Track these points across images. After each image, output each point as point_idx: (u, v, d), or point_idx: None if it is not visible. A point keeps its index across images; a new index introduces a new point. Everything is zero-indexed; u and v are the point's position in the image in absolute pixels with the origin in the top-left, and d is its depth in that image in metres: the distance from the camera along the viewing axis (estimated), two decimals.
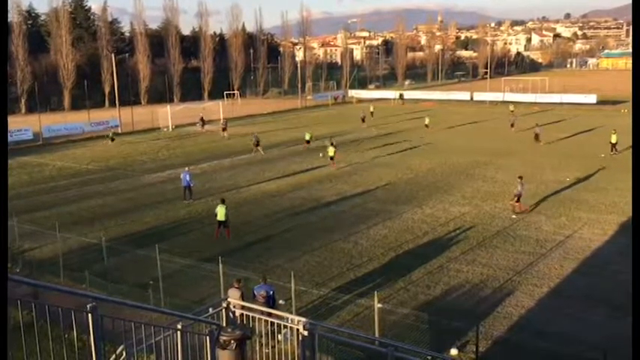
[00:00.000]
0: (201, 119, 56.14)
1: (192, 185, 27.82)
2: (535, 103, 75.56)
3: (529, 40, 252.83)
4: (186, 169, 29.34)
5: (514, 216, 24.16)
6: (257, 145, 40.33)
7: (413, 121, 58.89)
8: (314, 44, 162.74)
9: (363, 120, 56.05)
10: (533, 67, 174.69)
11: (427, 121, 52.01)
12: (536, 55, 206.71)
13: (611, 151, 36.49)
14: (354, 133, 50.94)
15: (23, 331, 5.07)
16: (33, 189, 31.65)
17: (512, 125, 49.39)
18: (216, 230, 22.01)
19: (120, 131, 55.86)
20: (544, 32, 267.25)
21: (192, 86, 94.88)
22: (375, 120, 59.60)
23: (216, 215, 22.01)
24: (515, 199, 24.76)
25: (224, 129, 50.89)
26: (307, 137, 43.02)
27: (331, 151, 35.52)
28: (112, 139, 48.23)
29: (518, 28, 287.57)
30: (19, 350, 5.23)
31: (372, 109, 61.76)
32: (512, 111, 60.63)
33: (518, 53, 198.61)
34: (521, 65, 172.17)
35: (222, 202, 22.24)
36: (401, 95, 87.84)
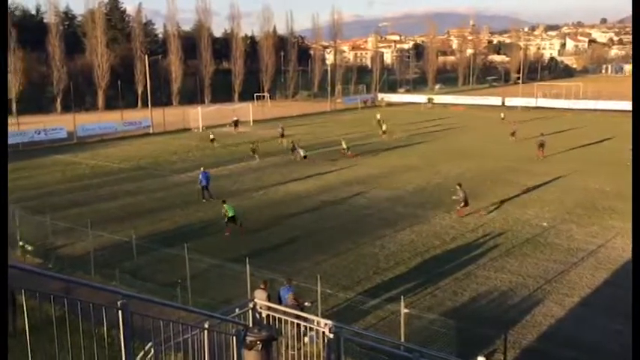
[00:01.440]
0: (235, 121, 56.77)
1: (206, 185, 28.24)
2: (568, 109, 74.22)
3: (563, 45, 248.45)
4: (202, 169, 29.74)
5: (545, 223, 23.77)
6: (293, 149, 40.25)
7: (441, 126, 58.44)
8: (344, 47, 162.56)
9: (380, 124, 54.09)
10: (567, 72, 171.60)
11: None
12: (570, 61, 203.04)
13: None
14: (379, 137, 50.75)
15: (55, 326, 5.17)
16: (66, 187, 32.32)
17: (512, 134, 46.65)
18: (228, 228, 22.75)
19: (151, 131, 56.71)
20: (579, 37, 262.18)
21: (222, 88, 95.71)
22: (404, 124, 59.26)
23: (225, 214, 22.81)
24: (462, 204, 24.89)
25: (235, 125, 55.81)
26: (344, 145, 41.34)
27: (344, 143, 40.19)
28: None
29: (552, 32, 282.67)
30: (51, 344, 5.35)
31: (378, 116, 57.31)
32: (502, 119, 59.06)
33: (552, 58, 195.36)
34: (555, 70, 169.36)
35: (224, 202, 23.40)
36: (430, 99, 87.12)
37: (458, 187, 25.47)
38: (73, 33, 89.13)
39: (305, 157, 38.39)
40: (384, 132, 49.79)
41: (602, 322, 14.99)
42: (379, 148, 44.59)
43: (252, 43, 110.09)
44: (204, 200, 27.90)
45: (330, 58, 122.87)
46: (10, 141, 47.74)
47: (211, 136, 47.45)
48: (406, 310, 13.45)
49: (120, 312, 5.36)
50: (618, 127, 52.83)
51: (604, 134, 49.33)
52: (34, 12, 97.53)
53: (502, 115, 62.24)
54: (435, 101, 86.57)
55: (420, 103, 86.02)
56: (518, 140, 45.47)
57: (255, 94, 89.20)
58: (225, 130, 56.38)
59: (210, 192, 28.31)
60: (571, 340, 14.05)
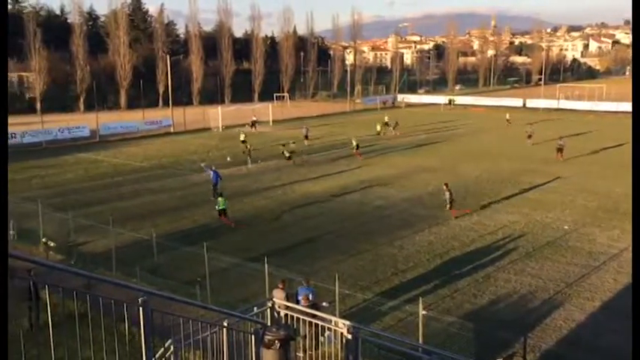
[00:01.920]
0: (253, 121, 57.09)
1: (216, 183, 28.50)
2: (591, 111, 73.22)
3: (586, 46, 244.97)
4: (212, 167, 30.01)
5: (566, 226, 23.49)
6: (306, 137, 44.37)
7: (460, 127, 58.07)
8: (364, 48, 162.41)
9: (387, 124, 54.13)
10: (590, 74, 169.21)
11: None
12: (593, 62, 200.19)
13: None
14: (399, 137, 50.60)
15: (77, 321, 5.25)
16: (88, 184, 32.76)
17: (529, 137, 45.76)
18: (224, 218, 24.24)
19: (172, 131, 57.22)
20: (602, 38, 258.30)
21: (242, 88, 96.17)
22: (423, 125, 58.98)
23: (217, 206, 24.47)
24: (448, 205, 24.94)
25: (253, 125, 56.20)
26: (354, 143, 41.88)
27: (354, 141, 40.56)
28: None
29: (575, 33, 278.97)
30: (73, 339, 5.43)
31: (386, 119, 56.18)
32: (508, 121, 58.07)
33: (575, 59, 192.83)
34: (578, 72, 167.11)
35: (221, 195, 25.18)
36: (450, 100, 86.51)
37: (444, 187, 25.54)
38: (96, 33, 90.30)
39: (289, 157, 37.44)
40: (379, 132, 51.64)
41: (623, 327, 14.74)
42: (397, 148, 44.45)
43: (272, 44, 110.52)
44: (212, 198, 28.04)
45: (349, 59, 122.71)
46: (34, 139, 48.65)
47: (242, 137, 46.06)
48: (424, 312, 13.39)
49: (141, 309, 5.43)
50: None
51: (627, 137, 48.52)
52: (58, 12, 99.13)
53: (507, 116, 60.88)
54: (456, 102, 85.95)
55: (439, 104, 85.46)
56: (535, 143, 44.93)
57: (275, 95, 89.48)
58: (244, 130, 56.64)
59: (219, 190, 28.33)
60: (592, 345, 13.87)
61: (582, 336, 14.32)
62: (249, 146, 39.84)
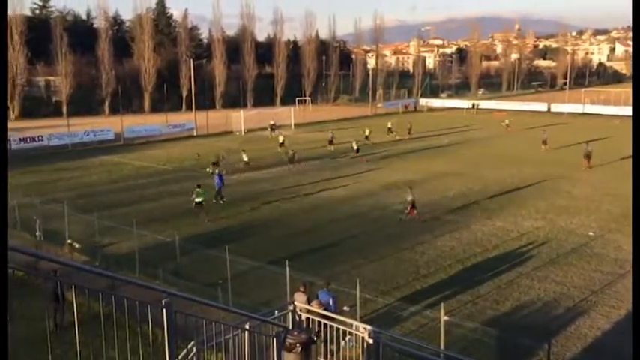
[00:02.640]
0: (272, 125, 57.36)
1: (220, 187, 28.66)
2: (616, 115, 72.02)
3: (612, 50, 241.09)
4: (216, 171, 30.35)
5: (591, 233, 23.13)
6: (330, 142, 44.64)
7: (484, 131, 57.58)
8: (386, 52, 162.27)
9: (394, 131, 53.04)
10: (617, 78, 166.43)
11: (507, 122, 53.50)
12: (619, 66, 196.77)
13: None
14: (422, 141, 50.34)
15: (102, 322, 5.32)
16: (113, 186, 33.21)
17: (544, 142, 44.63)
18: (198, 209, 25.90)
19: (195, 134, 57.73)
20: (629, 42, 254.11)
21: (265, 92, 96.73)
22: (445, 129, 58.61)
23: (193, 199, 26.01)
24: (409, 206, 24.74)
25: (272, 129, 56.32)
26: (354, 146, 42.42)
27: (355, 145, 41.89)
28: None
29: (601, 37, 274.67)
30: (97, 339, 5.51)
31: (389, 125, 54.90)
32: (507, 126, 56.44)
33: (601, 63, 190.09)
34: (604, 76, 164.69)
35: (198, 187, 26.34)
36: (474, 104, 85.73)
37: (409, 190, 25.48)
38: (121, 38, 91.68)
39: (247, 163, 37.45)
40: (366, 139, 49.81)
41: None
42: (419, 152, 44.26)
43: (294, 48, 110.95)
44: (218, 202, 28.38)
45: (371, 63, 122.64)
46: (61, 142, 49.50)
47: (281, 139, 45.89)
48: (446, 318, 13.28)
49: (164, 310, 5.49)
50: None
51: None
52: (84, 17, 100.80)
53: (506, 122, 58.81)
54: (480, 106, 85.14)
55: (462, 108, 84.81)
56: (550, 149, 44.31)
57: (297, 98, 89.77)
58: (266, 134, 56.99)
59: (222, 194, 28.70)
60: (617, 354, 13.61)
61: (608, 344, 14.07)
62: (289, 151, 39.68)
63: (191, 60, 67.70)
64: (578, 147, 45.99)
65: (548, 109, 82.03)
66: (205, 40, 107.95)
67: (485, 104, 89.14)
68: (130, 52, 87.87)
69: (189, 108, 74.33)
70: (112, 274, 6.00)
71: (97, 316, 5.49)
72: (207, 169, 34.26)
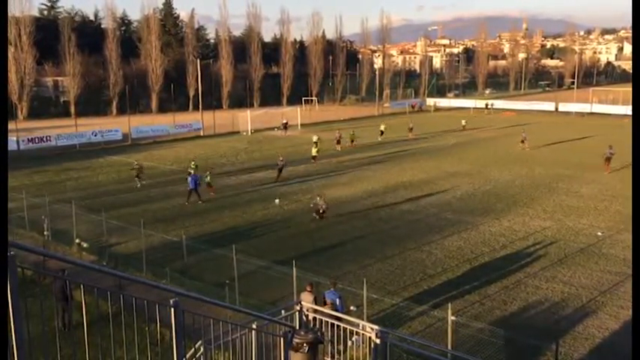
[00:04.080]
0: (285, 124, 57.56)
1: (195, 188, 28.69)
2: (626, 115, 71.58)
3: (621, 49, 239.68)
4: (191, 172, 30.37)
5: (599, 233, 23.00)
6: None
7: (494, 131, 57.40)
8: (393, 52, 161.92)
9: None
10: (625, 77, 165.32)
11: (464, 122, 55.20)
12: (628, 65, 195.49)
13: None
14: (430, 141, 50.23)
15: (110, 322, 5.34)
16: (120, 187, 33.32)
17: (522, 142, 44.89)
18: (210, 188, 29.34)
19: (202, 134, 57.87)
20: None
21: (271, 91, 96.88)
22: (452, 129, 58.46)
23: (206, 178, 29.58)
24: (318, 215, 25.15)
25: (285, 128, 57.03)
26: (314, 152, 40.34)
27: (314, 151, 38.99)
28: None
29: (609, 36, 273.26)
30: (104, 339, 5.52)
31: (382, 127, 53.79)
32: (464, 126, 55.43)
33: (609, 63, 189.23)
34: (612, 75, 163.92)
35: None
36: (487, 104, 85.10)
37: (318, 198, 25.66)
38: (128, 38, 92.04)
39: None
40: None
41: None
42: (425, 152, 44.19)
43: (301, 48, 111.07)
44: (197, 201, 28.52)
45: (378, 63, 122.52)
46: (69, 142, 49.74)
47: (315, 138, 44.55)
48: (453, 318, 13.25)
49: (172, 310, 5.50)
50: None
51: None
52: (92, 18, 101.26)
53: (463, 122, 57.87)
54: (494, 106, 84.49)
55: (469, 108, 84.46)
56: (530, 148, 44.34)
57: (304, 98, 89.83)
58: (273, 133, 57.10)
59: (199, 194, 28.90)
60: (626, 354, 13.52)
61: (617, 345, 13.98)
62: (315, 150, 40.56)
63: (198, 60, 67.88)
64: (571, 144, 45.86)
65: (556, 108, 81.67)
66: (212, 41, 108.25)
67: (495, 104, 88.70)
68: (138, 52, 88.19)
69: (196, 108, 74.53)
70: (119, 273, 6.02)
71: (105, 316, 5.51)
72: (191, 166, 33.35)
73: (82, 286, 5.03)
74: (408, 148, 46.30)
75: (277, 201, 27.99)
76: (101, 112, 78.18)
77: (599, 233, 22.98)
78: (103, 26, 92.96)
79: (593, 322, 15.16)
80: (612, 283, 17.87)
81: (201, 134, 58.00)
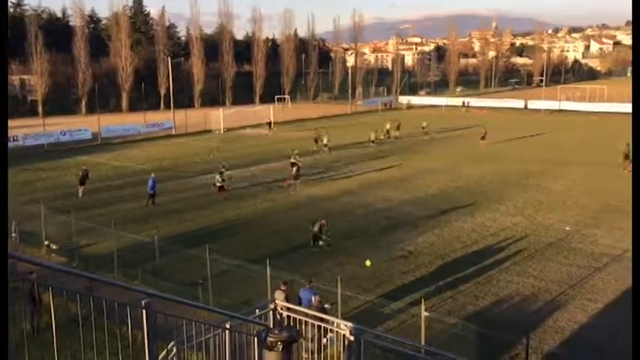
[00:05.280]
0: (269, 123, 57.27)
1: (152, 192, 27.78)
2: (592, 112, 73.16)
3: (587, 47, 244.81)
4: (152, 175, 29.16)
5: (568, 228, 23.47)
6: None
7: (464, 129, 58.05)
8: (365, 50, 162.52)
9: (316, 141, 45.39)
10: (592, 75, 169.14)
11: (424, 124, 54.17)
12: (594, 63, 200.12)
13: None
14: (397, 139, 50.57)
15: (80, 324, 5.25)
16: (90, 187, 32.71)
17: (483, 138, 45.30)
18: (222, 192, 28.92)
19: (174, 133, 57.28)
20: (604, 39, 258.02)
21: (244, 90, 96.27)
22: (424, 127, 58.99)
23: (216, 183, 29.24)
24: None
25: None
26: (292, 160, 34.89)
27: (217, 181, 29.67)
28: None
29: (576, 35, 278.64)
30: (74, 342, 5.42)
31: (424, 124, 53.87)
32: (423, 128, 53.83)
33: (576, 61, 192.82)
34: (579, 73, 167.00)
35: (225, 168, 30.35)
36: (464, 103, 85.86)
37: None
38: (97, 36, 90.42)
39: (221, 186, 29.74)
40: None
41: (625, 328, 14.72)
42: (399, 150, 44.47)
43: (273, 46, 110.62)
44: (152, 206, 27.66)
45: (350, 61, 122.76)
46: (36, 142, 48.70)
47: (325, 140, 43.65)
48: (427, 314, 13.38)
49: (144, 311, 5.43)
50: None
51: (626, 137, 48.48)
52: (60, 15, 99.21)
53: (424, 124, 54.97)
54: (455, 104, 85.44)
55: (440, 106, 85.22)
56: (489, 143, 45.12)
57: (276, 97, 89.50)
58: (246, 132, 56.82)
59: (154, 199, 27.91)
60: (594, 346, 13.84)
61: (585, 337, 14.29)
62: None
63: (169, 58, 67.11)
64: (540, 141, 46.73)
65: (525, 106, 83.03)
66: (183, 39, 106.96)
67: (471, 102, 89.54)
68: (107, 50, 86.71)
69: (167, 107, 73.62)
70: (90, 275, 5.92)
71: (74, 319, 5.40)
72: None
73: (50, 289, 4.92)
74: (383, 148, 46.50)
75: (368, 262, 18.72)
76: (70, 112, 76.63)
77: (568, 228, 23.45)
78: (71, 24, 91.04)
79: (563, 315, 15.47)
80: (581, 276, 18.26)
81: (173, 133, 57.39)
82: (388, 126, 51.55)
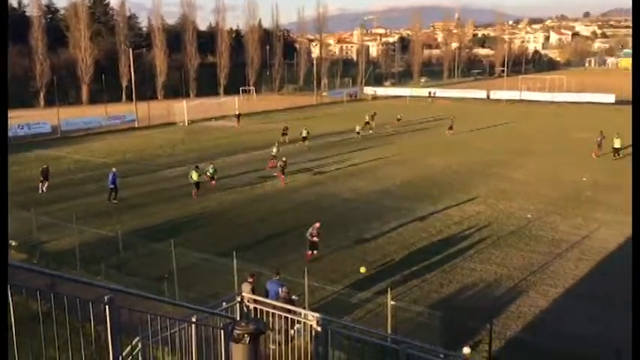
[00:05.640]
0: (238, 115, 56.87)
1: (113, 186, 27.20)
2: (552, 102, 74.84)
3: (547, 38, 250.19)
4: (113, 169, 28.23)
5: (529, 215, 24.02)
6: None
7: (433, 120, 58.69)
8: (330, 41, 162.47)
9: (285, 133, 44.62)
10: (551, 65, 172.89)
11: (399, 116, 55.25)
12: (554, 54, 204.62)
13: (614, 156, 35.28)
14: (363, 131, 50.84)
15: (42, 322, 5.14)
16: (51, 181, 31.93)
17: (450, 128, 46.85)
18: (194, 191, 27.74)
19: (136, 125, 56.31)
20: (563, 31, 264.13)
21: (208, 81, 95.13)
22: (390, 118, 59.40)
23: (191, 178, 27.95)
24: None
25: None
26: (273, 152, 35.28)
27: (192, 178, 28.10)
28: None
29: (536, 26, 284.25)
30: (37, 340, 5.31)
31: (399, 116, 55.21)
32: (399, 120, 54.88)
33: (536, 52, 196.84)
34: (539, 64, 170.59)
35: (197, 167, 28.59)
36: (430, 93, 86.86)
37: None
38: (55, 27, 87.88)
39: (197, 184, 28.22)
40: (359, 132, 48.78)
41: (585, 312, 15.21)
42: (365, 141, 44.68)
43: (237, 37, 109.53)
44: (114, 202, 27.01)
45: (315, 52, 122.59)
46: None
47: (304, 133, 42.67)
48: (393, 303, 13.54)
49: (107, 307, 5.34)
50: (600, 120, 53.40)
51: (585, 126, 49.77)
52: (15, 5, 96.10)
53: (399, 115, 55.85)
54: (418, 95, 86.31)
55: (405, 97, 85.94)
56: (454, 133, 46.03)
57: (241, 88, 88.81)
58: (221, 124, 56.24)
59: (116, 194, 27.34)
60: (555, 330, 14.24)
61: (546, 322, 14.68)
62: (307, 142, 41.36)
63: (130, 49, 65.74)
64: (502, 130, 47.68)
65: (488, 96, 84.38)
66: (145, 29, 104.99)
67: (426, 92, 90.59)
68: (65, 41, 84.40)
69: (129, 99, 72.37)
70: (51, 272, 5.79)
71: (35, 316, 5.29)
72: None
73: (8, 287, 4.80)
74: (344, 138, 46.61)
75: (363, 269, 18.04)
76: (27, 105, 74.40)
77: (529, 215, 24.00)
78: (27, 14, 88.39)
79: (525, 301, 15.86)
80: (541, 263, 18.73)
81: (136, 126, 56.37)
82: (367, 118, 51.38)
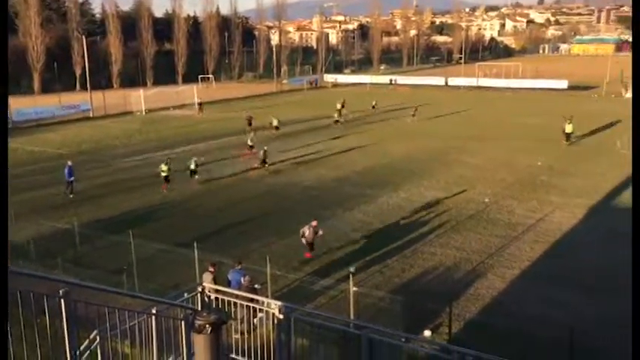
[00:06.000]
0: (200, 104, 55.95)
1: (71, 180, 26.34)
2: (508, 88, 76.34)
3: (503, 25, 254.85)
4: (69, 162, 27.25)
5: (486, 200, 24.52)
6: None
7: (391, 110, 59.12)
8: (290, 28, 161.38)
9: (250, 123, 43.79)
10: (507, 52, 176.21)
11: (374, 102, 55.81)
12: (509, 41, 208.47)
13: (566, 140, 36.17)
14: (327, 118, 50.87)
15: None
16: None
17: (413, 115, 47.37)
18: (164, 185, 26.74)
19: (92, 115, 54.94)
20: (517, 18, 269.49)
21: (165, 70, 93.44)
22: (355, 105, 59.58)
23: (161, 172, 26.98)
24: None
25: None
26: (249, 142, 35.27)
27: (162, 171, 27.24)
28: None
29: (492, 13, 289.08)
30: None
31: (374, 103, 55.97)
32: (373, 107, 55.48)
33: (492, 39, 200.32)
34: (495, 51, 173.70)
35: (168, 160, 27.85)
36: (391, 80, 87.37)
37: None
38: None
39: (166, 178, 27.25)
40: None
41: (541, 292, 15.67)
42: (325, 128, 44.73)
43: (195, 24, 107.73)
44: (71, 195, 26.12)
45: (275, 39, 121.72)
46: None
47: (275, 122, 42.81)
48: (355, 289, 13.67)
49: (62, 300, 5.22)
50: (553, 105, 54.84)
51: (540, 112, 51.03)
52: None
53: (373, 102, 56.33)
54: (377, 82, 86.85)
55: (365, 84, 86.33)
56: (418, 120, 46.79)
57: (200, 76, 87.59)
58: (181, 113, 55.34)
59: (72, 187, 26.45)
60: (513, 311, 14.63)
61: (504, 303, 15.07)
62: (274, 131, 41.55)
63: (83, 37, 63.91)
64: (460, 117, 48.49)
65: (446, 82, 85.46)
66: (98, 16, 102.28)
67: (386, 79, 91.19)
68: (15, 28, 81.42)
69: (83, 88, 70.40)
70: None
71: None
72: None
73: None
74: (307, 127, 46.56)
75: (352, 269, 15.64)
76: None
77: (486, 200, 24.52)
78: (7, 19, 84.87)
79: (483, 284, 16.24)
80: (499, 246, 19.19)
81: (91, 115, 55.02)
82: (338, 106, 50.66)
